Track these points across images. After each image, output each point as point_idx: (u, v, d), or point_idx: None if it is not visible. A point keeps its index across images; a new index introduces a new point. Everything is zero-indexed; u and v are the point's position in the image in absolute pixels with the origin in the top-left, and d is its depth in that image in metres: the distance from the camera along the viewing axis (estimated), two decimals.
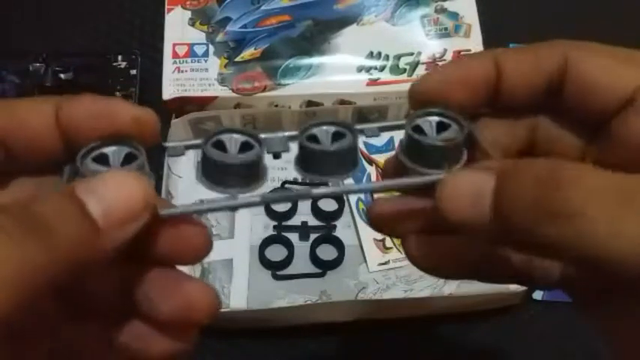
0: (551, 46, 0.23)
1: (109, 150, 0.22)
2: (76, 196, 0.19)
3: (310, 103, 0.54)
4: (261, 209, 0.52)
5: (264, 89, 0.53)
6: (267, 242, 0.50)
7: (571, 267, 0.23)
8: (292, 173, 0.53)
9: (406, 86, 0.60)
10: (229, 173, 0.22)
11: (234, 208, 0.23)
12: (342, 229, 0.51)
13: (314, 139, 0.23)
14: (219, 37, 0.55)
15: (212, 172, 0.23)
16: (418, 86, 0.24)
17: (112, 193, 0.19)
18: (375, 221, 0.26)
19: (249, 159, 0.23)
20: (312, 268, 0.49)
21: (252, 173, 0.23)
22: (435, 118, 0.24)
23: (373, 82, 0.54)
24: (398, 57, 0.54)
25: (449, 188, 0.20)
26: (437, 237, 0.24)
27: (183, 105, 0.53)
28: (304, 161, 0.24)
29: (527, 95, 0.23)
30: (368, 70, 0.54)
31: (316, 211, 0.52)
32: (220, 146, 0.23)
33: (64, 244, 0.18)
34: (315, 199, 0.48)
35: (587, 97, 0.22)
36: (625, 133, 0.22)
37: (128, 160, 0.22)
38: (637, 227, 0.17)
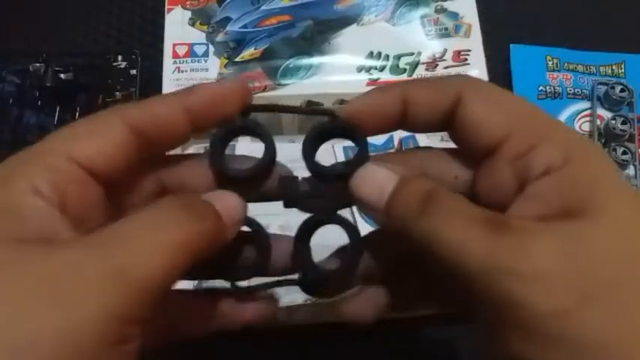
0: (448, 82, 0.25)
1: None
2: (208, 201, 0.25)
3: (310, 103, 0.54)
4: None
5: (264, 89, 0.53)
6: None
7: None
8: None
9: None
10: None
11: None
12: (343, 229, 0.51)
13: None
14: (219, 37, 0.55)
15: None
16: (347, 110, 0.26)
17: (227, 204, 0.25)
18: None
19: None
20: None
21: None
22: None
23: (373, 82, 0.54)
24: (398, 57, 0.54)
25: (367, 175, 0.26)
26: None
27: None
28: None
29: (427, 125, 0.26)
30: (368, 70, 0.54)
31: None
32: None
33: (209, 229, 0.23)
34: None
35: (467, 135, 0.25)
36: (489, 174, 0.25)
37: None
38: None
